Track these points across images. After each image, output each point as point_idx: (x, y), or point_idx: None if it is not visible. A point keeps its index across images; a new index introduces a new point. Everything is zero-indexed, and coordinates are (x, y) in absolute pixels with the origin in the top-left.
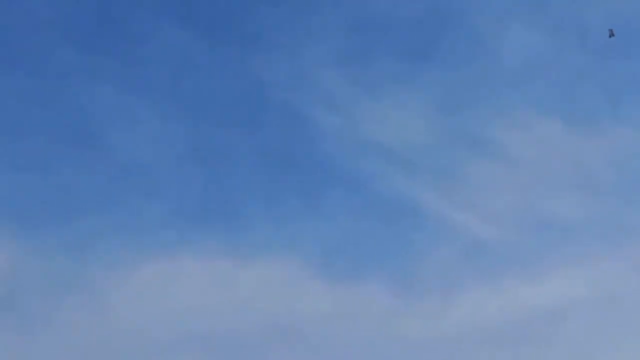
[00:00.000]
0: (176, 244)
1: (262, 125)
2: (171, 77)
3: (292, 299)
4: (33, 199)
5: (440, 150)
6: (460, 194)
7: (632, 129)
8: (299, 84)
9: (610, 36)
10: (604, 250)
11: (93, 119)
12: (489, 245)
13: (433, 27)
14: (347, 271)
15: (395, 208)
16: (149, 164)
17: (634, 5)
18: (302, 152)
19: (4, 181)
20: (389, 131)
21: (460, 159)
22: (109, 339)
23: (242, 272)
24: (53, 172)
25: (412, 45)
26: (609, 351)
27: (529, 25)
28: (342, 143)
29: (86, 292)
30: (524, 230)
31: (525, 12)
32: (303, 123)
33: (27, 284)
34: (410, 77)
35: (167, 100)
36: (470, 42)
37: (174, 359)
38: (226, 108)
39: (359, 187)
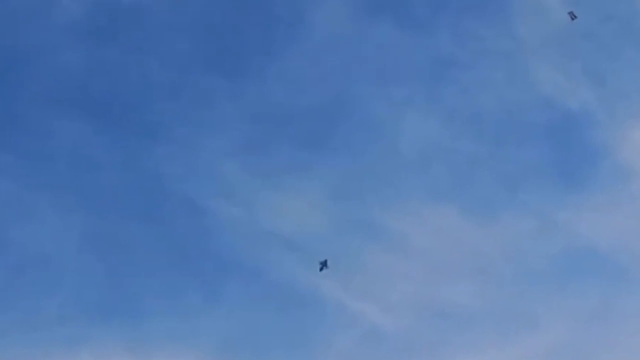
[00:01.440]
0: (74, 341)
1: (161, 217)
2: (71, 170)
3: None
4: None
5: (338, 238)
6: (358, 283)
7: (528, 216)
8: (198, 175)
9: (572, 19)
10: (500, 339)
11: None
12: (387, 334)
13: (330, 115)
14: None
15: (295, 297)
16: (47, 258)
17: (526, 93)
18: (201, 244)
19: None
20: (288, 220)
21: (358, 247)
22: None
23: None
24: None
25: (310, 133)
26: None
27: (425, 113)
28: (242, 233)
29: None
30: (422, 319)
31: (421, 100)
32: (202, 214)
33: None
34: (308, 165)
35: (66, 194)
36: (367, 129)
37: None
38: (126, 201)
39: (258, 278)
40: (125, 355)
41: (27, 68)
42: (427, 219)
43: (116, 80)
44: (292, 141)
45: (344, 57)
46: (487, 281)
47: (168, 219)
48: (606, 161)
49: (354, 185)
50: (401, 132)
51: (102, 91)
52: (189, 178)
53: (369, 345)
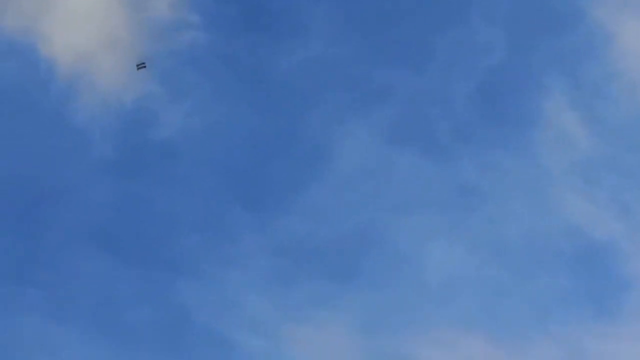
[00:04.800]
0: None
1: (187, 350)
2: (97, 304)
3: None
4: None
5: None
6: None
7: (556, 345)
8: (224, 308)
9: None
10: None
11: (14, 349)
12: None
13: (356, 247)
14: None
15: None
16: None
17: (552, 222)
18: None
19: None
20: (314, 353)
21: None
22: None
23: None
24: None
25: (336, 266)
26: None
27: (450, 242)
28: None
29: None
30: None
31: (445, 229)
32: (228, 347)
33: None
34: (334, 298)
35: (92, 328)
36: (393, 261)
37: None
38: (152, 334)
39: None
40: None
41: (57, 205)
42: (455, 348)
43: (143, 215)
44: (317, 274)
45: (369, 188)
46: None
47: (194, 351)
48: (634, 291)
49: (381, 317)
50: (427, 262)
51: (128, 226)
52: (214, 311)
53: None
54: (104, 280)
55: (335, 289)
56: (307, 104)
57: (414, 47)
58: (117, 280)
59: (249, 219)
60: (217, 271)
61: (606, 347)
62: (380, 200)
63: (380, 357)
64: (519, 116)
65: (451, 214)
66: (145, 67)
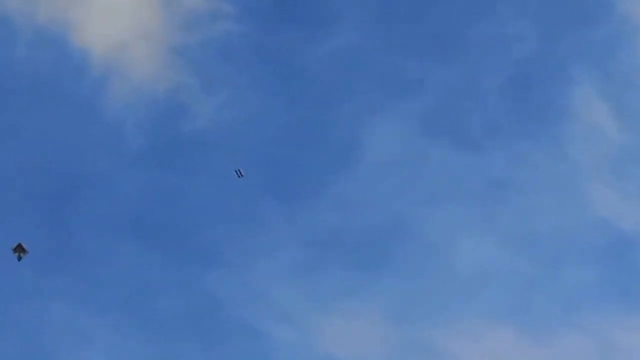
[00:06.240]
0: None
1: (217, 340)
2: (127, 295)
3: None
4: None
5: None
6: None
7: (585, 337)
8: (253, 299)
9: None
10: None
11: (45, 338)
12: None
13: (385, 237)
14: None
15: None
16: None
17: (581, 215)
18: None
19: None
20: (343, 343)
21: None
22: None
23: None
24: None
25: (365, 256)
26: None
27: (480, 234)
28: (297, 357)
29: None
30: None
31: (475, 222)
32: (257, 337)
33: None
34: (363, 288)
35: (122, 318)
36: (422, 251)
37: None
38: (181, 324)
39: None
40: None
41: (89, 195)
42: (484, 340)
43: (174, 206)
44: (347, 264)
45: (399, 180)
46: None
47: (224, 342)
48: None
49: (410, 308)
50: (457, 254)
51: (160, 216)
52: (243, 301)
53: None
54: (134, 270)
55: (365, 280)
56: (338, 96)
57: (445, 39)
58: (147, 270)
59: (279, 210)
60: (247, 261)
61: (636, 340)
62: (410, 192)
63: (409, 348)
64: (549, 109)
65: (481, 206)
66: (241, 174)
